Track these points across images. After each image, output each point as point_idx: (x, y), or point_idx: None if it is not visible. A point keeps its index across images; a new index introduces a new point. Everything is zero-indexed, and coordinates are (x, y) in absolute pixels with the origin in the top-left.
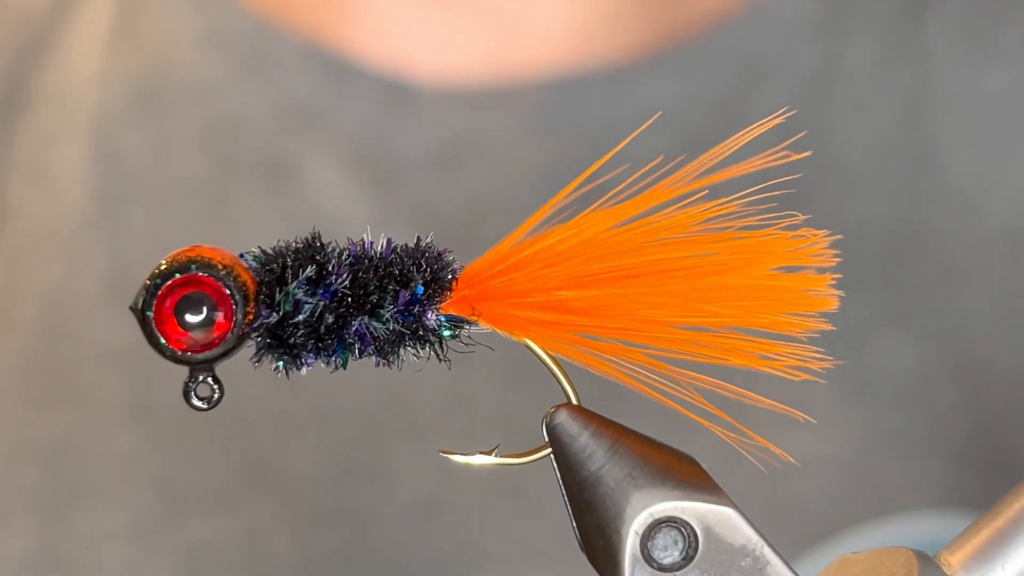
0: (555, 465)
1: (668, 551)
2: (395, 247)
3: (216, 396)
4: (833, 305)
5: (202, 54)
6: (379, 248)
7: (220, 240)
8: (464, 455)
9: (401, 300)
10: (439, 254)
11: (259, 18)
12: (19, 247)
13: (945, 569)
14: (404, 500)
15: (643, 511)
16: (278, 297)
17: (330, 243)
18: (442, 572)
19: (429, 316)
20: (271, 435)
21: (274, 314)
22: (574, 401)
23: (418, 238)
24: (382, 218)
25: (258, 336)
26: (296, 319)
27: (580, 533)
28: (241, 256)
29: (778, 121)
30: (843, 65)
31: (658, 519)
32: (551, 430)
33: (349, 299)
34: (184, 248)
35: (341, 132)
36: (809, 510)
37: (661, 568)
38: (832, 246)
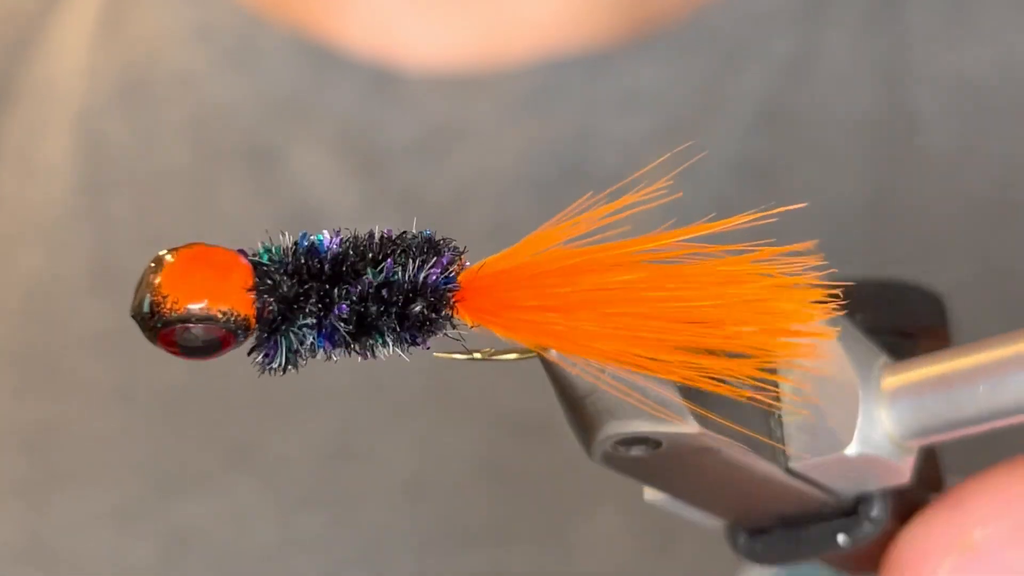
0: (547, 375)
1: (636, 448)
2: (396, 256)
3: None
4: (832, 336)
5: (188, 44)
6: (382, 268)
7: (206, 230)
8: (462, 354)
9: (400, 334)
10: (445, 263)
11: (245, 7)
12: (4, 235)
13: (880, 387)
14: (388, 482)
15: (615, 432)
16: (277, 339)
17: (328, 249)
18: (427, 554)
19: (428, 336)
20: (255, 418)
21: (277, 358)
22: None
23: (432, 239)
24: (368, 205)
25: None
26: (297, 349)
27: (564, 411)
28: (240, 251)
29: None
30: (822, 46)
31: (627, 438)
32: (543, 359)
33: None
34: (180, 257)
35: (326, 120)
36: None
37: (628, 456)
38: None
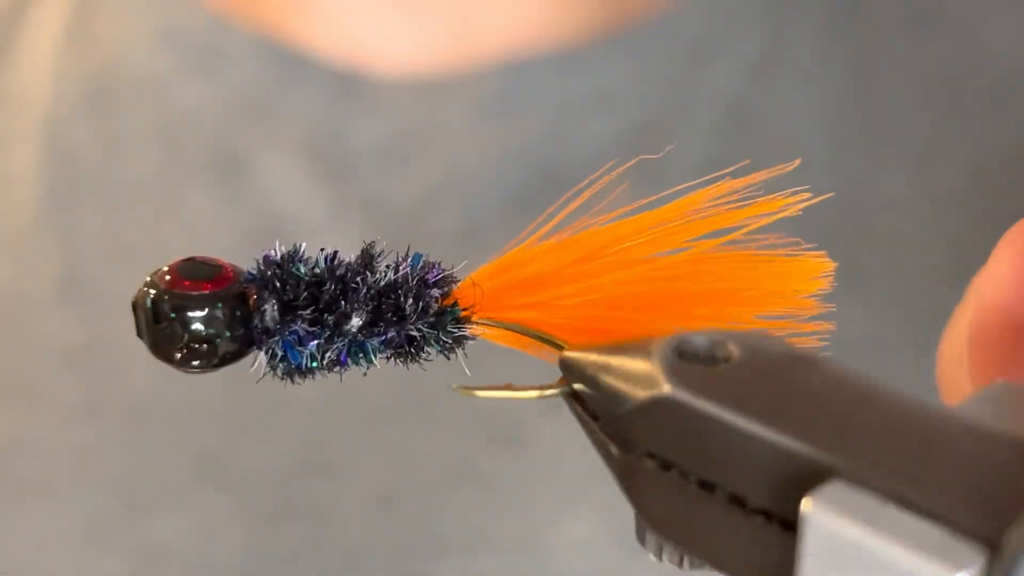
0: (572, 403)
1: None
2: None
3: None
4: (825, 286)
5: (155, 50)
6: (383, 275)
7: (174, 235)
8: (486, 389)
9: (398, 329)
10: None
11: (211, 13)
12: None
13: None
14: (359, 494)
15: (675, 338)
16: (277, 276)
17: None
18: (399, 565)
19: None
20: (224, 431)
21: (273, 291)
22: (565, 348)
23: (422, 265)
24: (336, 212)
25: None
26: (298, 296)
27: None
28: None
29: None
30: (790, 41)
31: (689, 338)
32: (565, 367)
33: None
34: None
35: (294, 125)
36: None
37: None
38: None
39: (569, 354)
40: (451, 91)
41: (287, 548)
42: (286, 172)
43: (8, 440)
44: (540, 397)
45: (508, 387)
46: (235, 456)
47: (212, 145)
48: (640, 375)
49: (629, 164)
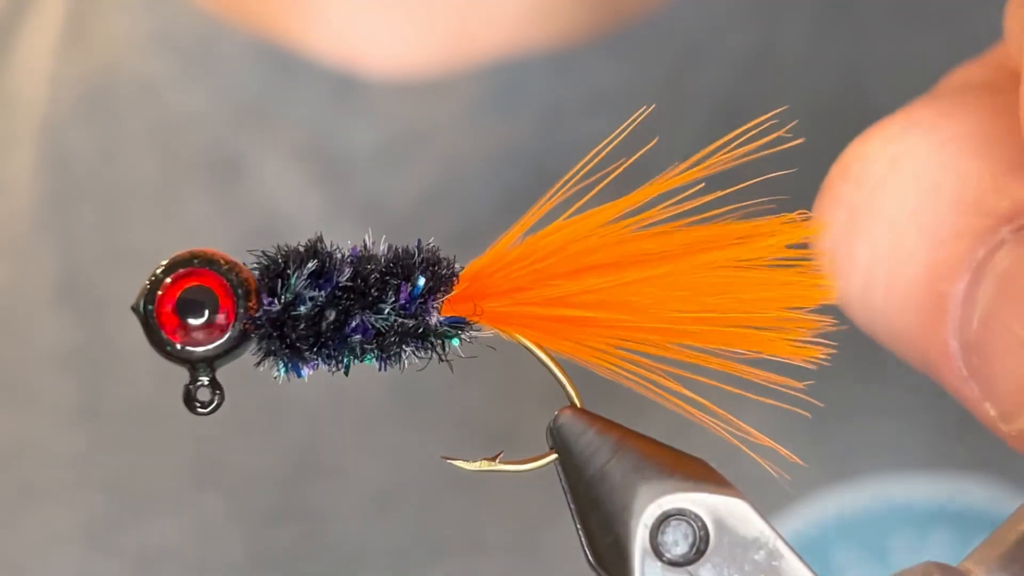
0: (559, 469)
1: (678, 544)
2: (395, 248)
3: (217, 401)
4: (832, 298)
5: (151, 53)
6: (380, 250)
7: (171, 237)
8: (469, 462)
9: (403, 295)
10: (438, 257)
11: (206, 15)
12: None
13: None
14: (357, 495)
15: (651, 503)
16: (279, 290)
17: (333, 245)
18: (397, 567)
19: (431, 313)
20: (221, 434)
21: (276, 302)
22: (577, 403)
23: (419, 241)
24: (333, 213)
25: (260, 328)
26: (298, 311)
27: (586, 537)
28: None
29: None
30: (780, 40)
31: (667, 511)
32: (556, 431)
33: (351, 293)
34: (182, 252)
35: (289, 127)
36: (767, 478)
37: (672, 563)
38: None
39: (568, 423)
40: (445, 92)
41: (285, 550)
42: (282, 175)
43: (6, 443)
44: (536, 468)
45: (497, 459)
46: (233, 458)
47: (208, 148)
48: (610, 537)
49: (629, 162)
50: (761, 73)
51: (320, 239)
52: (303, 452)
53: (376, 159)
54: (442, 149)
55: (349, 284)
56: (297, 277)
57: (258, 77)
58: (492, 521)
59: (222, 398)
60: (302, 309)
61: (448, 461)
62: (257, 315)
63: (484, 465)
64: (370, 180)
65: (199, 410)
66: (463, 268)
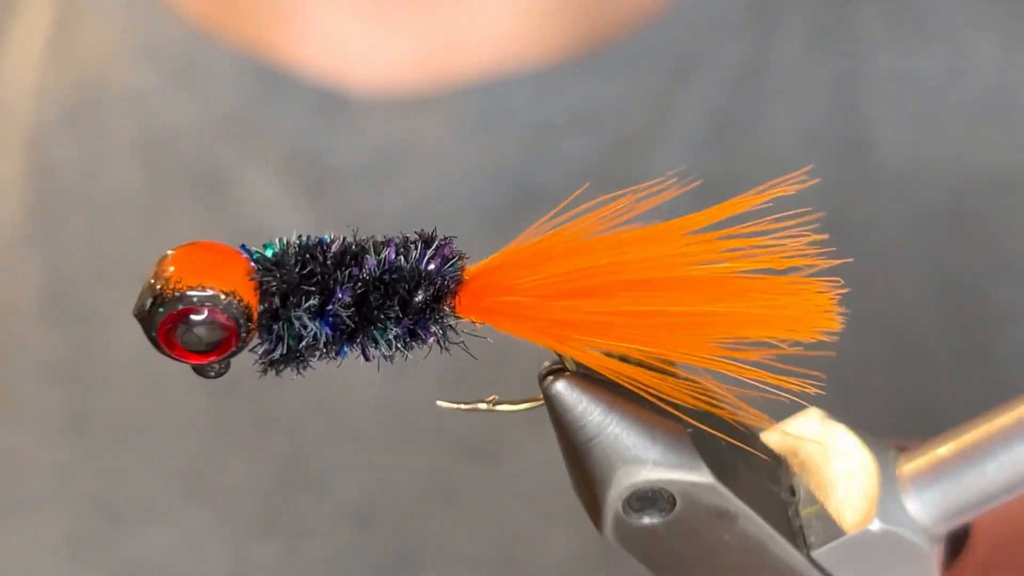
0: (552, 422)
1: (649, 512)
2: (398, 246)
3: (223, 370)
4: (837, 325)
5: (137, 65)
6: (384, 256)
7: (158, 250)
8: (465, 403)
9: (403, 324)
10: (445, 255)
11: (194, 29)
12: None
13: (898, 475)
14: (340, 508)
15: (627, 482)
16: (278, 329)
17: (332, 241)
18: None
19: (431, 328)
20: (206, 447)
21: (279, 348)
22: (571, 367)
23: (432, 235)
24: (318, 227)
25: (261, 362)
26: (299, 346)
27: (571, 476)
28: (242, 247)
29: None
30: (773, 54)
31: (640, 489)
32: (548, 397)
33: (354, 316)
34: (183, 249)
35: (275, 142)
36: None
37: (642, 519)
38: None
39: (565, 385)
40: (431, 109)
41: (270, 563)
42: (268, 189)
43: None
44: (527, 408)
45: (493, 401)
46: (218, 471)
47: (194, 161)
48: (595, 495)
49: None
50: (752, 89)
51: (321, 245)
52: (287, 466)
53: (361, 175)
54: (428, 166)
55: (352, 305)
56: (298, 319)
57: (244, 91)
58: (474, 535)
59: (227, 367)
60: (302, 344)
61: (442, 404)
62: (258, 348)
63: (479, 406)
64: (355, 196)
65: (210, 375)
66: (466, 266)
